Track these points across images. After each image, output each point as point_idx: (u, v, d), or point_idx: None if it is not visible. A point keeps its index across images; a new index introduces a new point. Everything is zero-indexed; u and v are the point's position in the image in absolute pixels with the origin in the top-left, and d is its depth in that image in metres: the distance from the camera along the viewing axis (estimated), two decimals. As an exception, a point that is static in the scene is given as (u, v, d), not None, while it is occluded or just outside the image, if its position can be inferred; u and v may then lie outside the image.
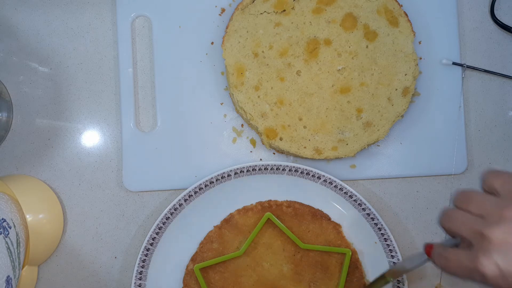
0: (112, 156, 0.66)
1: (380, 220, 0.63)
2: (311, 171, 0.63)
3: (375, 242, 0.64)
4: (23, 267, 0.61)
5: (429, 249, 0.47)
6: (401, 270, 0.53)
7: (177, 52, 0.66)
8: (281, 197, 0.65)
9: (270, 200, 0.65)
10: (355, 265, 0.64)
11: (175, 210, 0.63)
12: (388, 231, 0.63)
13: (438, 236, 0.68)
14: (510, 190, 0.41)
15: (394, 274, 0.55)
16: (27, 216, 0.61)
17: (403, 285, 0.64)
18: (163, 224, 0.63)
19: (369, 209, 0.63)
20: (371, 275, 0.65)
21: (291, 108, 0.63)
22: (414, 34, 0.64)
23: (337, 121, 0.63)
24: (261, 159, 0.66)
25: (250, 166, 0.63)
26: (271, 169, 0.64)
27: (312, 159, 0.63)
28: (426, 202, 0.68)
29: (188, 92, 0.66)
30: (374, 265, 0.65)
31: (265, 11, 0.63)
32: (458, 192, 0.45)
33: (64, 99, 0.66)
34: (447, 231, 0.45)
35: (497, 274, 0.39)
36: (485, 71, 0.68)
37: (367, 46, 0.63)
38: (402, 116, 0.65)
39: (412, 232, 0.68)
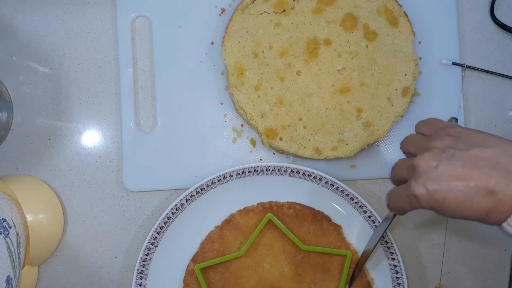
0: (112, 156, 0.66)
1: (380, 221, 0.63)
2: (313, 172, 0.63)
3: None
4: (23, 267, 0.61)
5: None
6: (377, 237, 0.60)
7: (177, 52, 0.66)
8: (282, 198, 0.65)
9: (271, 201, 0.65)
10: (355, 266, 0.65)
11: (176, 210, 0.63)
12: (388, 232, 0.63)
13: (438, 236, 0.68)
14: (433, 130, 0.50)
15: (372, 243, 0.61)
16: (27, 216, 0.61)
17: (403, 285, 0.64)
18: (164, 224, 0.63)
19: (370, 211, 0.63)
20: (371, 275, 0.65)
21: (291, 108, 0.63)
22: (414, 34, 0.64)
23: (337, 121, 0.63)
24: (261, 159, 0.66)
25: (251, 167, 0.63)
26: (272, 170, 0.64)
27: (312, 159, 0.63)
28: (426, 202, 0.68)
29: (188, 92, 0.66)
30: (374, 266, 0.65)
31: (265, 11, 0.63)
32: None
33: (64, 99, 0.66)
34: (395, 181, 0.52)
35: (424, 193, 0.45)
36: (485, 71, 0.68)
37: (367, 46, 0.64)
38: (402, 116, 0.65)
39: (411, 232, 0.68)
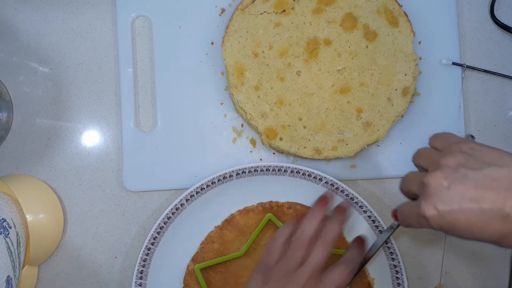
0: (112, 156, 0.66)
1: (381, 222, 0.63)
2: (313, 172, 0.63)
3: (375, 243, 0.65)
4: (23, 267, 0.61)
5: (395, 213, 0.52)
6: (379, 243, 0.59)
7: (177, 52, 0.66)
8: (282, 198, 0.65)
9: (271, 201, 0.65)
10: None
11: (176, 210, 0.63)
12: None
13: (438, 236, 0.68)
14: (446, 145, 0.48)
15: (374, 249, 0.60)
16: (27, 216, 0.61)
17: (403, 285, 0.64)
18: (164, 224, 0.63)
19: (370, 211, 0.63)
20: (371, 275, 0.65)
21: (291, 108, 0.63)
22: (414, 34, 0.64)
23: (337, 121, 0.63)
24: (261, 159, 0.66)
25: (251, 167, 0.63)
26: (272, 170, 0.64)
27: (312, 159, 0.63)
28: (426, 202, 0.68)
29: (188, 92, 0.66)
30: (374, 266, 0.65)
31: (265, 11, 0.63)
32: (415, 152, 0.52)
33: (64, 99, 0.66)
34: (405, 193, 0.51)
35: (435, 214, 0.44)
36: (485, 71, 0.68)
37: (367, 46, 0.64)
38: (402, 116, 0.65)
39: (411, 233, 0.68)
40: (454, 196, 0.43)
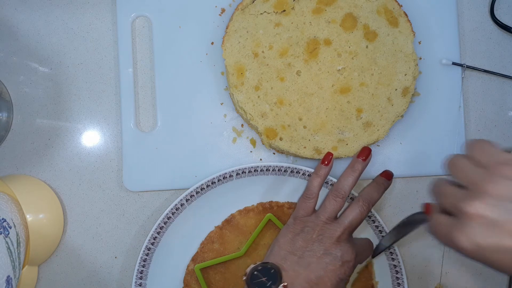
0: (112, 156, 0.66)
1: (381, 222, 0.63)
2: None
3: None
4: (23, 267, 0.61)
5: (428, 207, 0.48)
6: (400, 235, 0.58)
7: (177, 52, 0.66)
8: (282, 198, 0.65)
9: (271, 201, 0.65)
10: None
11: (176, 210, 0.63)
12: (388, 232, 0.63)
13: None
14: (487, 162, 0.42)
15: (390, 240, 0.59)
16: (27, 216, 0.61)
17: (403, 285, 0.64)
18: (164, 224, 0.63)
19: (370, 211, 0.63)
20: (376, 279, 0.65)
21: (291, 108, 0.63)
22: (414, 34, 0.64)
23: (337, 121, 0.63)
24: (261, 159, 0.66)
25: (251, 167, 0.63)
26: (272, 170, 0.63)
27: (312, 159, 0.63)
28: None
29: (188, 92, 0.66)
30: (375, 267, 0.65)
31: (265, 11, 0.63)
32: (450, 157, 0.46)
33: (64, 99, 0.66)
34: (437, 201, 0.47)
35: (468, 247, 0.41)
36: (485, 71, 0.68)
37: (367, 46, 0.64)
38: (402, 116, 0.65)
39: (411, 233, 0.68)
40: (494, 231, 0.40)
